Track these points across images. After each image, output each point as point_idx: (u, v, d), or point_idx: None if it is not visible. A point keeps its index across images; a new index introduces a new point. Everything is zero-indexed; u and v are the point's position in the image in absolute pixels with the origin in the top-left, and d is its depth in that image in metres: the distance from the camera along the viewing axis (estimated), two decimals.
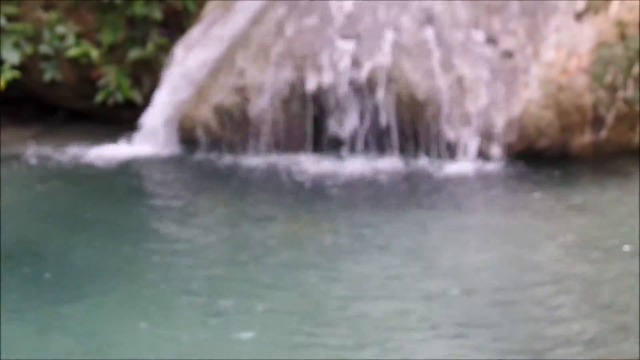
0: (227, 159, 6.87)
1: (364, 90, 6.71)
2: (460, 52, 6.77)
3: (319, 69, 6.80)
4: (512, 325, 3.87)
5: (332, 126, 6.79)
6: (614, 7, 6.78)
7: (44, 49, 8.20)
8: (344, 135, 6.79)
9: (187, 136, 7.20)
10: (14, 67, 8.05)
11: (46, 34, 8.21)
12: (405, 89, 6.62)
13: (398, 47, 6.74)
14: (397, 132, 6.73)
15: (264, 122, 6.87)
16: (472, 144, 6.54)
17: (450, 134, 6.57)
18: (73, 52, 8.13)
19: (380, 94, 6.67)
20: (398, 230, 5.20)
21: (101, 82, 8.11)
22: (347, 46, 6.80)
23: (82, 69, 8.21)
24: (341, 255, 4.83)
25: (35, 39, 8.23)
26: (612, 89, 6.54)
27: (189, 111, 7.19)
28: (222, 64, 7.23)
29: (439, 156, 6.58)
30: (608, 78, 6.55)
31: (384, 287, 4.33)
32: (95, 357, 3.65)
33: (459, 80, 6.67)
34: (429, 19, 6.89)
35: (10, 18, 8.18)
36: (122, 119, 7.98)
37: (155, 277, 4.52)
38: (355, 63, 6.74)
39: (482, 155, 6.56)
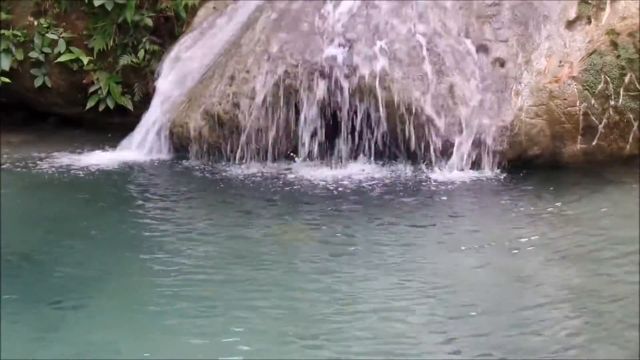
0: (218, 165, 6.88)
1: (355, 97, 6.71)
2: (452, 60, 6.77)
3: (310, 76, 6.79)
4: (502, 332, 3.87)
5: (324, 133, 6.79)
6: (606, 16, 6.80)
7: (34, 55, 8.19)
8: (336, 142, 6.80)
9: (178, 143, 7.20)
10: (4, 73, 8.04)
11: (37, 40, 8.20)
12: (396, 97, 6.61)
13: (389, 55, 6.74)
14: (388, 140, 6.73)
15: (254, 129, 6.86)
16: (464, 152, 6.54)
17: (441, 142, 6.56)
18: (64, 58, 8.13)
19: (371, 101, 6.67)
20: (388, 240, 5.19)
21: (92, 88, 8.11)
22: (338, 53, 6.80)
23: (73, 75, 8.21)
24: (329, 264, 4.82)
25: (25, 45, 8.23)
26: (604, 97, 6.55)
27: (180, 118, 7.18)
28: (214, 71, 7.23)
29: (430, 164, 6.58)
30: (599, 86, 6.55)
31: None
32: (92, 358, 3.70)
33: (450, 88, 6.68)
34: (420, 27, 6.89)
35: (1, 24, 8.17)
36: (113, 125, 7.98)
37: (146, 283, 4.54)
38: (347, 70, 6.73)
39: (474, 163, 6.56)
